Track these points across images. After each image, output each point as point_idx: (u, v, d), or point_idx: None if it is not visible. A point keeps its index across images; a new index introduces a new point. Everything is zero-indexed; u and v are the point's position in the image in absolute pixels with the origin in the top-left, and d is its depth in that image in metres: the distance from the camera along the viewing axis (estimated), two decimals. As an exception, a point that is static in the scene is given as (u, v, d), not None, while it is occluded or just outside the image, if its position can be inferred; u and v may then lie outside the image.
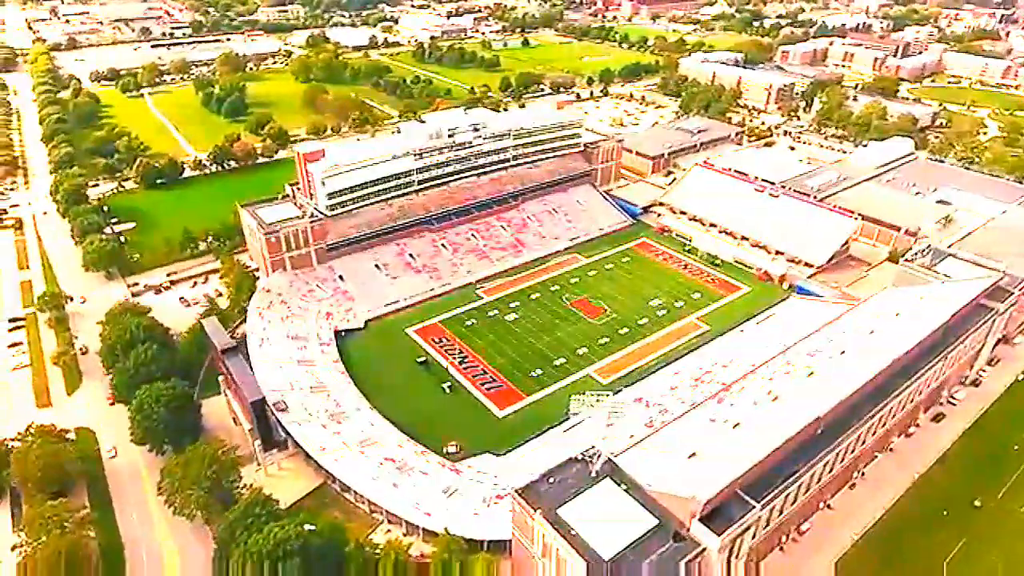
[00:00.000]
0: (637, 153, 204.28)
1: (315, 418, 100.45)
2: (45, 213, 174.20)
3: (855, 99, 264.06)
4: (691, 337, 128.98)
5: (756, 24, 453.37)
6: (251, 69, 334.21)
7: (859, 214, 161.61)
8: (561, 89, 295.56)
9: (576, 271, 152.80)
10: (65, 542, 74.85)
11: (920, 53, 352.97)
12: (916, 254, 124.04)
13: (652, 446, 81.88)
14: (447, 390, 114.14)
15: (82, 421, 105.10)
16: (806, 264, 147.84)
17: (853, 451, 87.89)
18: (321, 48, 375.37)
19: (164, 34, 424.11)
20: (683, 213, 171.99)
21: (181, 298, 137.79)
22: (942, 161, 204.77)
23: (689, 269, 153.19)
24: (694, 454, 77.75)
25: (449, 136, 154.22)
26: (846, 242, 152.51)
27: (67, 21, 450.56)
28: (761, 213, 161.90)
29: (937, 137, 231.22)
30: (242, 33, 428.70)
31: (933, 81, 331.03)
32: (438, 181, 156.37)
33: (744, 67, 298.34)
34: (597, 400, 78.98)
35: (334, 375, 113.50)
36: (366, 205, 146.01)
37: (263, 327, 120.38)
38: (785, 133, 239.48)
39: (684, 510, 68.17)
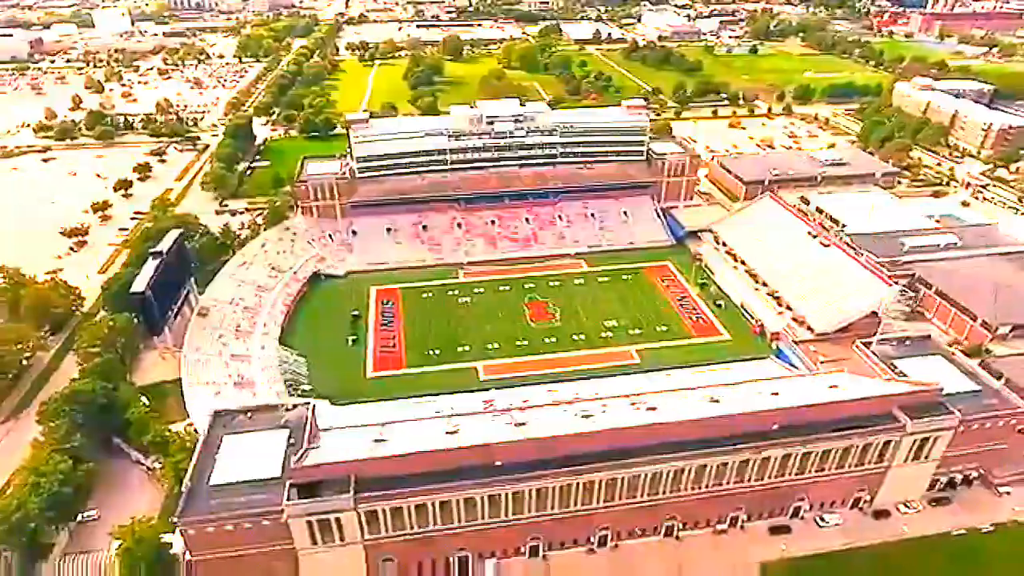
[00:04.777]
0: (735, 175, 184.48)
1: (221, 329, 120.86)
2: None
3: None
4: (614, 364, 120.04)
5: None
6: (469, 52, 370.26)
7: (937, 290, 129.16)
8: (741, 101, 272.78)
9: (564, 276, 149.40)
10: None
11: None
12: (891, 342, 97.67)
13: (368, 423, 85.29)
14: (349, 342, 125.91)
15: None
16: (808, 327, 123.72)
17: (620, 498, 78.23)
18: (550, 38, 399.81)
19: (434, 16, 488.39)
20: (723, 244, 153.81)
21: (239, 221, 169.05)
22: None
23: (683, 303, 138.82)
24: (383, 440, 79.48)
25: (488, 123, 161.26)
26: (873, 313, 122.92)
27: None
28: (796, 261, 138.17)
29: None
30: (495, 19, 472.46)
31: None
32: (472, 164, 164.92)
33: (978, 102, 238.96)
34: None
35: (276, 306, 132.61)
36: (395, 173, 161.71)
37: (254, 254, 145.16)
38: (966, 185, 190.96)
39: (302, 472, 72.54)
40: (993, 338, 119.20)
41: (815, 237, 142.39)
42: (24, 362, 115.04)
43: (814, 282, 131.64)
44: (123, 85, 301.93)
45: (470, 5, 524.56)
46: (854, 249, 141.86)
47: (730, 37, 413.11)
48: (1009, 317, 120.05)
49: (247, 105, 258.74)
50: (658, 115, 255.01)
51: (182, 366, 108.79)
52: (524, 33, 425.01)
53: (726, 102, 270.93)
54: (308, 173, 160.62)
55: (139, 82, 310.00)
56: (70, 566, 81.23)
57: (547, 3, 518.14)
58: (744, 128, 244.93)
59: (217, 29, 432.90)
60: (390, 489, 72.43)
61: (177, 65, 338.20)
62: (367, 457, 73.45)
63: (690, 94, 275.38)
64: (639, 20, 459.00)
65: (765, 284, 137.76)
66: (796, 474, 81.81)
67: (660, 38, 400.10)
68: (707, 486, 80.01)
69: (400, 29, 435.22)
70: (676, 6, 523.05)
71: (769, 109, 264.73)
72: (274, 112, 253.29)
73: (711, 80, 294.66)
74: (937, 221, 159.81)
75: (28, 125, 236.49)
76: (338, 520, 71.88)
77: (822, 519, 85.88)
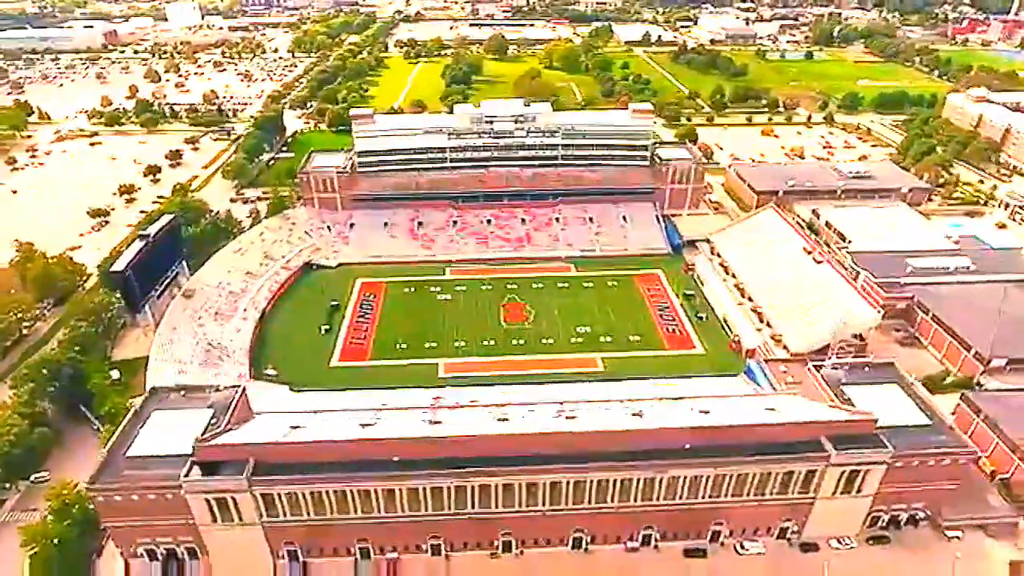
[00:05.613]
0: (748, 185, 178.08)
1: (201, 311, 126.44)
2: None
3: None
4: (576, 371, 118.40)
5: None
6: (515, 51, 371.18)
7: (934, 316, 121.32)
8: (781, 108, 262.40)
9: (549, 279, 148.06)
10: None
11: None
12: (844, 366, 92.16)
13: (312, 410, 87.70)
14: (321, 331, 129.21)
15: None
16: (784, 346, 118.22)
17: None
18: (599, 40, 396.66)
19: (488, 15, 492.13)
20: (717, 255, 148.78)
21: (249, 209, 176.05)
22: None
23: (663, 314, 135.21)
24: (299, 427, 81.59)
25: (488, 123, 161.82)
26: (859, 336, 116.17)
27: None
28: (786, 277, 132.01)
29: None
30: (548, 19, 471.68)
31: None
32: (472, 163, 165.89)
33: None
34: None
35: (260, 293, 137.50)
36: (394, 169, 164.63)
37: (251, 241, 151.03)
38: (1004, 206, 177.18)
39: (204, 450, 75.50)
40: (985, 371, 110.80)
41: (810, 253, 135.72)
42: (24, 331, 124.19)
43: (799, 300, 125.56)
44: (180, 76, 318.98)
45: (527, 4, 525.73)
46: (856, 268, 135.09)
47: (788, 42, 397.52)
48: (1005, 349, 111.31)
49: (287, 98, 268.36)
50: (688, 120, 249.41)
51: (153, 343, 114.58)
52: (575, 33, 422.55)
53: (764, 109, 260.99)
54: (313, 166, 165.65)
55: (195, 74, 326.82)
56: (12, 521, 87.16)
57: (604, 4, 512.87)
58: (777, 136, 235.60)
59: (279, 25, 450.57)
60: (287, 475, 74.28)
61: (233, 59, 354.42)
62: (267, 442, 75.51)
63: (727, 99, 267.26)
64: (695, 22, 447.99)
65: (750, 299, 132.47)
66: (711, 497, 78.62)
67: (712, 41, 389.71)
68: (613, 500, 78.04)
69: (452, 28, 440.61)
70: (740, 8, 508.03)
71: (809, 118, 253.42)
72: (310, 106, 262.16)
73: (753, 85, 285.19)
74: (956, 242, 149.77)
75: (85, 112, 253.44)
76: (234, 500, 74.26)
77: (742, 546, 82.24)
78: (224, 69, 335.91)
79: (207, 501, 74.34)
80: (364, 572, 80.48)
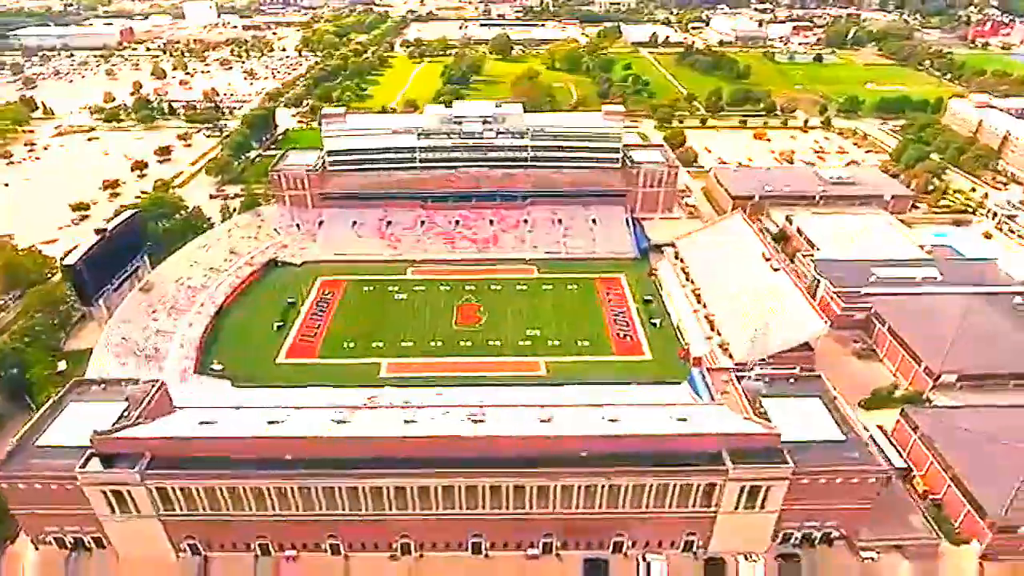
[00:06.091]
0: (726, 190, 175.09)
1: (156, 305, 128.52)
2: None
3: None
4: (518, 374, 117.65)
5: None
6: (520, 51, 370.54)
7: (890, 328, 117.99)
8: (779, 111, 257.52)
9: (508, 281, 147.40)
10: None
11: None
12: (764, 378, 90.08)
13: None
14: (274, 327, 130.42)
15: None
16: (730, 355, 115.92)
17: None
18: (606, 40, 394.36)
19: (499, 16, 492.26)
20: (680, 260, 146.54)
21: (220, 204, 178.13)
22: None
23: (617, 319, 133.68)
24: (205, 423, 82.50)
25: (456, 123, 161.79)
26: (804, 345, 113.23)
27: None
28: (743, 284, 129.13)
29: None
30: (558, 20, 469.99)
31: None
32: (442, 163, 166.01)
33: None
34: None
35: (220, 288, 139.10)
36: (363, 168, 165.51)
37: (218, 237, 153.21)
38: (992, 215, 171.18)
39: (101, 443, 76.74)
40: (935, 386, 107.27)
41: (768, 260, 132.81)
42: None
43: (752, 307, 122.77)
44: (187, 73, 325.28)
45: (540, 5, 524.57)
46: (817, 276, 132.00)
47: (800, 44, 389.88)
48: (956, 365, 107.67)
49: (283, 97, 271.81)
50: (681, 122, 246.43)
51: (101, 335, 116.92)
52: (584, 34, 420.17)
53: (761, 112, 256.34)
54: (285, 163, 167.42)
55: (202, 72, 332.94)
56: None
57: (618, 5, 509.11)
58: (769, 140, 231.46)
59: (292, 24, 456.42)
60: (182, 470, 75.14)
61: (241, 57, 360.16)
62: (162, 436, 76.44)
63: (724, 101, 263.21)
64: (707, 24, 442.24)
65: (705, 306, 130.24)
66: (609, 507, 77.42)
67: (721, 43, 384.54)
68: (508, 506, 77.34)
69: (462, 27, 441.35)
70: (756, 9, 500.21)
71: (805, 122, 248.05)
72: (304, 104, 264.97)
73: (754, 88, 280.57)
74: (928, 252, 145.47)
75: (88, 107, 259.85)
76: (129, 493, 75.31)
77: (644, 558, 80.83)
78: (231, 67, 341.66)
79: (103, 493, 75.50)
80: (263, 569, 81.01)
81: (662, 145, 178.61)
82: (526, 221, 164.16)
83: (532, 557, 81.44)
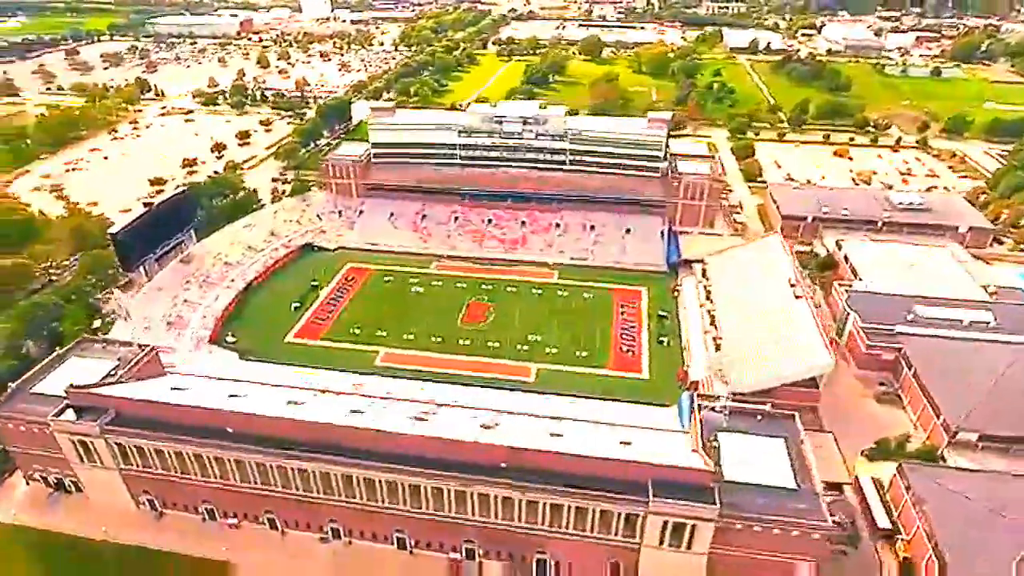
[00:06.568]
0: (777, 208, 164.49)
1: (191, 276, 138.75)
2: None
3: None
4: (508, 377, 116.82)
5: None
6: (611, 53, 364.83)
7: (916, 373, 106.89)
8: (871, 128, 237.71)
9: (526, 283, 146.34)
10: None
11: None
12: (724, 411, 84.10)
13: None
14: (292, 308, 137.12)
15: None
16: (724, 381, 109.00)
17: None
18: (704, 45, 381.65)
19: (600, 17, 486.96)
20: (706, 278, 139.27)
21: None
22: None
23: (625, 333, 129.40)
24: (176, 389, 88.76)
25: (496, 122, 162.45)
26: (811, 381, 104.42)
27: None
28: (761, 309, 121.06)
29: None
30: (660, 22, 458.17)
31: None
32: (481, 161, 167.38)
33: None
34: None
35: (253, 267, 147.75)
36: (406, 162, 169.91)
37: (263, 218, 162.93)
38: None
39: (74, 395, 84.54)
40: (950, 443, 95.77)
41: (793, 286, 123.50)
42: (53, 278, 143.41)
43: (763, 334, 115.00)
44: (288, 64, 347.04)
45: (648, 5, 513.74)
46: (848, 309, 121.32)
47: (921, 56, 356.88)
48: (980, 423, 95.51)
49: (365, 89, 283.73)
50: (757, 134, 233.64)
51: (134, 299, 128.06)
52: (683, 38, 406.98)
53: (849, 127, 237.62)
54: (337, 153, 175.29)
55: (303, 62, 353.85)
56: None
57: (727, 8, 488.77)
58: (851, 159, 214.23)
59: (397, 20, 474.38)
60: (138, 429, 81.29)
61: (341, 50, 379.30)
62: (123, 396, 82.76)
63: (811, 114, 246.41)
64: (819, 31, 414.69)
65: (716, 327, 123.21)
66: (528, 521, 75.60)
67: (829, 52, 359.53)
68: (427, 506, 77.47)
69: (560, 27, 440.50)
70: (880, 17, 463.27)
71: (898, 140, 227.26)
72: (382, 97, 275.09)
73: (852, 101, 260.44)
74: (992, 293, 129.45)
75: (193, 92, 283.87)
76: (92, 444, 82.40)
77: (566, 580, 78.27)
78: (329, 59, 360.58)
79: (71, 441, 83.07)
80: (209, 531, 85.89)
81: (713, 156, 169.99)
82: (558, 225, 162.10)
83: (455, 561, 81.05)
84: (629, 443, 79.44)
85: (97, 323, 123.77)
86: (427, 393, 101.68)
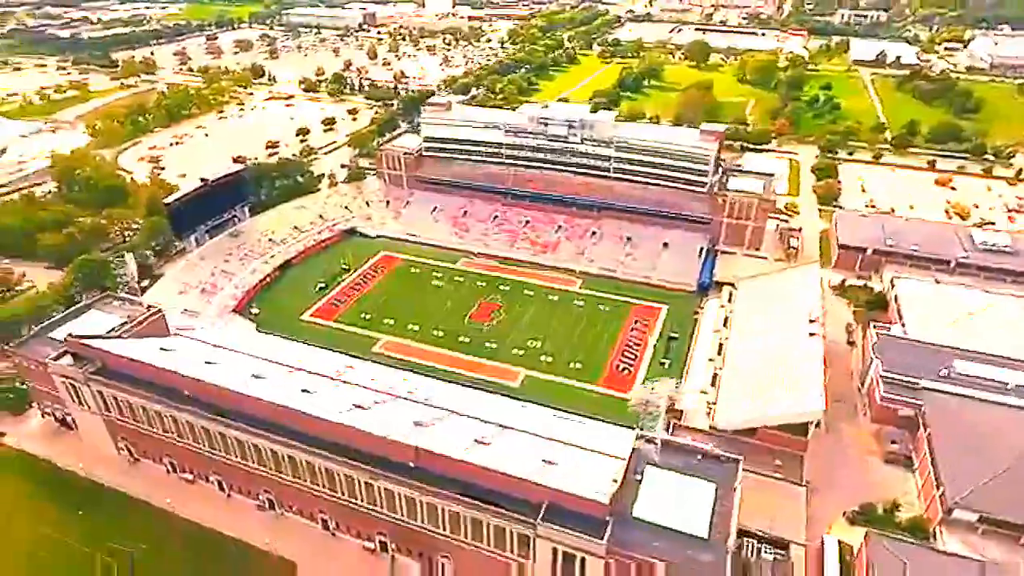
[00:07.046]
0: (837, 236, 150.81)
1: (235, 250, 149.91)
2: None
3: None
4: (496, 380, 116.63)
5: None
6: (720, 60, 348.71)
7: (928, 437, 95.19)
8: (988, 156, 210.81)
9: (545, 288, 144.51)
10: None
11: None
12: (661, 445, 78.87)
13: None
14: (316, 288, 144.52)
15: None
16: (708, 415, 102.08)
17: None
18: (826, 55, 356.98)
19: (721, 22, 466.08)
20: (730, 302, 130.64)
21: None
22: None
23: (628, 350, 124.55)
24: (164, 349, 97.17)
25: (543, 124, 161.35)
26: (801, 427, 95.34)
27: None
28: (773, 343, 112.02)
29: None
30: (784, 29, 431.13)
31: None
32: (525, 163, 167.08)
33: None
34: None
35: (295, 246, 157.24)
36: (453, 158, 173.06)
37: (315, 201, 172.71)
38: None
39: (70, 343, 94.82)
40: (943, 520, 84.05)
41: (812, 323, 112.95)
42: (126, 239, 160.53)
43: (767, 370, 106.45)
44: (396, 56, 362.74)
45: (777, 11, 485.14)
46: (873, 355, 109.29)
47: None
48: (984, 502, 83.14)
49: (456, 83, 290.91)
50: (851, 154, 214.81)
51: (178, 265, 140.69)
52: (806, 47, 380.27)
53: (963, 154, 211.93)
54: (394, 144, 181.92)
55: (409, 56, 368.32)
56: None
57: (864, 17, 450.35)
58: (954, 189, 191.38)
59: (512, 17, 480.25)
60: (115, 381, 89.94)
61: (449, 45, 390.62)
62: (109, 350, 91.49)
63: (919, 136, 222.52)
64: (966, 44, 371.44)
65: (720, 355, 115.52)
66: (428, 523, 75.60)
67: (969, 68, 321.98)
68: (343, 493, 79.58)
69: (674, 31, 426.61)
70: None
71: (1018, 173, 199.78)
72: (472, 92, 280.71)
73: (970, 126, 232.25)
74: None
75: (299, 79, 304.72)
76: (79, 389, 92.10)
77: (468, 594, 77.37)
78: (435, 54, 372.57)
79: (64, 384, 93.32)
80: (170, 482, 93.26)
81: (772, 174, 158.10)
82: (594, 233, 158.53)
83: (368, 549, 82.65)
84: (554, 463, 76.91)
85: (146, 282, 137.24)
86: (408, 385, 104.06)
